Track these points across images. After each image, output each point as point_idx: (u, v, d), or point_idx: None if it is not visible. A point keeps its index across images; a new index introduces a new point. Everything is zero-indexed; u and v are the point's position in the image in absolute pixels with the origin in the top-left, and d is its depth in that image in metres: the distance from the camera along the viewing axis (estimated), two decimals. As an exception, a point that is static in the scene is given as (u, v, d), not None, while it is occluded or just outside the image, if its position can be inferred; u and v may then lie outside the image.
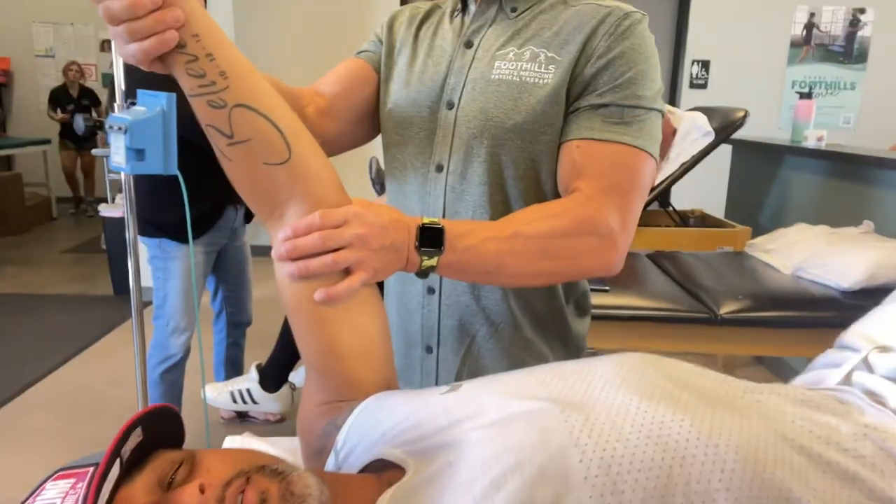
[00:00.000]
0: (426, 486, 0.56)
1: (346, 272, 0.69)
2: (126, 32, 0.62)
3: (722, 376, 0.65)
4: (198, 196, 1.53)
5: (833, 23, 5.06)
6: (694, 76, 5.06)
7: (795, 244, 2.13)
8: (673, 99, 5.05)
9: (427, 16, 0.98)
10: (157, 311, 2.10)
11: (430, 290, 0.93)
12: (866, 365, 0.71)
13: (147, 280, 2.20)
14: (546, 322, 0.93)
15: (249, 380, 2.39)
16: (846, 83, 5.12)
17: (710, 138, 3.05)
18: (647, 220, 3.24)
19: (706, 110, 3.15)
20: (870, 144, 4.79)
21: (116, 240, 3.78)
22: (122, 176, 1.77)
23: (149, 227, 2.02)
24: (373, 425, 0.66)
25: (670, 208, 3.22)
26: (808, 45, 5.08)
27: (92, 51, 7.04)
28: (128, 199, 1.67)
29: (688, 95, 5.05)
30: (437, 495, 0.54)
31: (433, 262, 0.73)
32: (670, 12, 4.98)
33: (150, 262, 2.09)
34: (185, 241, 2.02)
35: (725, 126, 3.00)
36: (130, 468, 0.54)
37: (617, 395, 0.56)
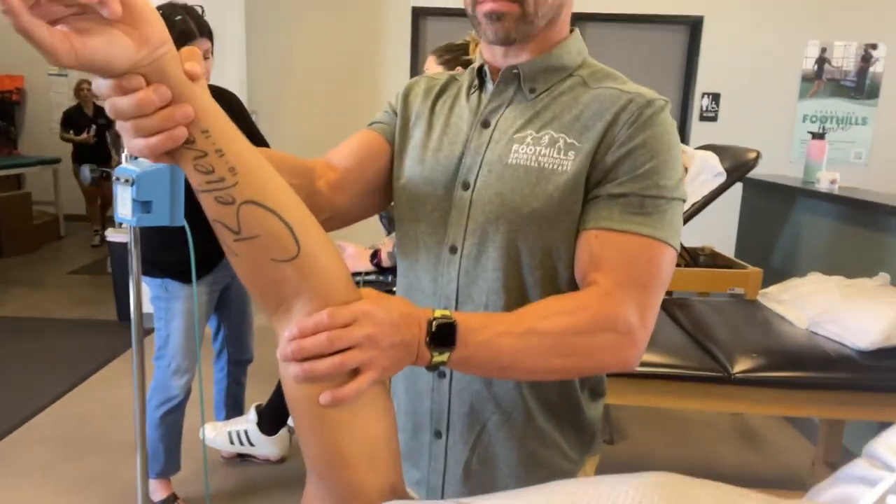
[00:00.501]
0: None
1: (354, 371, 0.67)
2: (133, 129, 0.60)
3: (747, 497, 0.62)
4: (202, 236, 1.50)
5: (845, 58, 5.06)
6: (704, 109, 5.04)
7: (809, 296, 2.09)
8: (683, 132, 5.02)
9: (444, 89, 0.96)
10: (159, 352, 2.07)
11: (441, 374, 0.90)
12: (901, 488, 0.67)
13: (149, 306, 2.17)
14: (560, 411, 0.90)
15: (248, 421, 2.35)
16: (858, 118, 5.10)
17: (722, 179, 3.01)
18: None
19: (718, 149, 3.12)
20: (882, 181, 4.77)
21: (122, 265, 3.77)
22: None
23: (152, 267, 1.99)
24: None
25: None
26: (820, 79, 5.06)
27: (104, 70, 7.08)
28: (132, 229, 1.62)
29: (698, 128, 5.03)
30: None
31: (444, 357, 0.70)
32: (681, 44, 4.96)
33: (152, 301, 2.06)
34: (188, 281, 2.00)
35: (737, 167, 2.97)
36: None
37: None
